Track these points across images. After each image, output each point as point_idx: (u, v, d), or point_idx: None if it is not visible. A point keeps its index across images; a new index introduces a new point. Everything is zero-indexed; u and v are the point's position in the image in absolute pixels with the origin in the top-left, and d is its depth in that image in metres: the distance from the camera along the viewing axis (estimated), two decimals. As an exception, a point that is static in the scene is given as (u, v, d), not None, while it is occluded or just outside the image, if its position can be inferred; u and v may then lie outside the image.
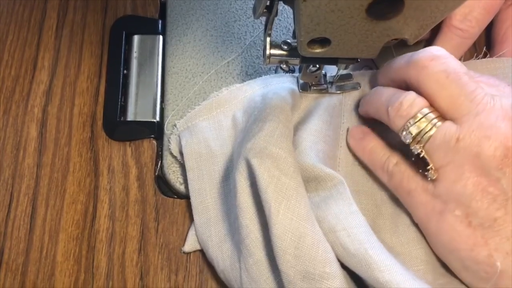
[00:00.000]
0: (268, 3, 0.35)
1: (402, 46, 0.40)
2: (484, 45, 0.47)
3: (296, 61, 0.40)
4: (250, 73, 0.47)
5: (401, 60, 0.38)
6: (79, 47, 0.48)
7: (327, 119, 0.42)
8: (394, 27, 0.33)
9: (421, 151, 0.35)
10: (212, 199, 0.41)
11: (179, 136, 0.43)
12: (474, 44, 0.45)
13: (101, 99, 0.46)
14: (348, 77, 0.45)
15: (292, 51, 0.39)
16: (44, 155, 0.44)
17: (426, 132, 0.34)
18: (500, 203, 0.32)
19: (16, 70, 0.47)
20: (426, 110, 0.35)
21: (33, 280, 0.40)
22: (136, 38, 0.49)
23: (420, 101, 0.36)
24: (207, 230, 0.40)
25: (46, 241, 0.41)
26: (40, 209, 0.42)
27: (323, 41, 0.35)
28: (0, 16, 0.50)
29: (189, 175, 0.42)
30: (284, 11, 0.49)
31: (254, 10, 0.36)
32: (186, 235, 0.41)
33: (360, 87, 0.45)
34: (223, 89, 0.45)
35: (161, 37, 0.49)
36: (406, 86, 0.38)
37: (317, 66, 0.41)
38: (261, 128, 0.37)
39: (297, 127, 0.42)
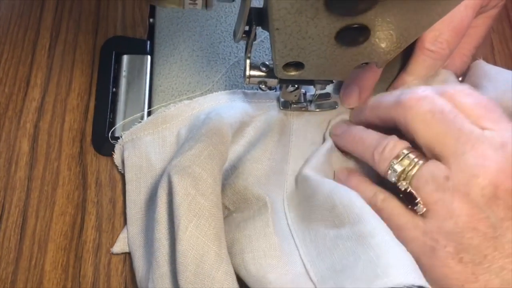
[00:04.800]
0: (247, 28, 0.37)
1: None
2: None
3: (275, 81, 0.42)
4: (234, 92, 0.49)
5: (389, 99, 0.40)
6: (70, 66, 0.50)
7: (276, 138, 0.44)
8: (362, 52, 0.36)
9: (408, 187, 0.36)
10: (145, 211, 0.42)
11: (122, 147, 0.45)
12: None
13: (90, 115, 0.48)
14: (326, 96, 0.47)
15: (270, 72, 0.41)
16: (35, 169, 0.46)
17: (410, 170, 0.36)
18: (489, 240, 0.33)
19: (10, 87, 0.49)
20: (405, 151, 0.37)
21: (22, 288, 0.42)
22: (125, 58, 0.51)
23: (401, 143, 0.38)
24: (137, 241, 0.41)
25: (35, 251, 0.43)
26: (30, 220, 0.44)
27: (298, 65, 0.37)
28: (-5, 36, 0.52)
29: (128, 187, 0.43)
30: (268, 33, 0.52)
31: (234, 34, 0.39)
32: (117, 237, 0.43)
33: (337, 106, 0.47)
34: (170, 105, 0.46)
35: (149, 57, 0.51)
36: (393, 124, 0.39)
37: (296, 86, 0.44)
38: (191, 147, 0.38)
39: (245, 147, 0.43)
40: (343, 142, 0.44)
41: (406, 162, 0.36)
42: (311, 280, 0.35)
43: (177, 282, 0.35)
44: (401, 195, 0.37)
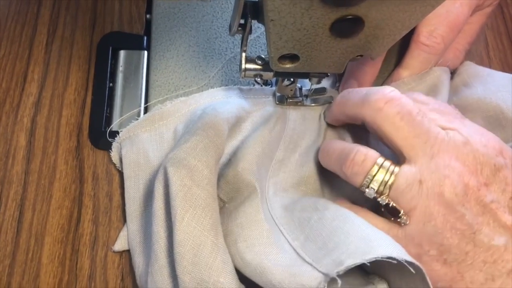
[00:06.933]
0: (242, 22, 0.38)
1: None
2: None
3: (270, 74, 0.42)
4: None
5: (357, 97, 0.40)
6: (67, 61, 0.50)
7: (272, 126, 0.44)
8: (357, 44, 0.36)
9: (389, 201, 0.36)
10: (143, 208, 0.42)
11: (120, 145, 0.45)
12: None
13: (87, 110, 0.48)
14: (322, 90, 0.47)
15: (266, 65, 0.41)
16: (32, 163, 0.46)
17: (387, 182, 0.36)
18: (468, 237, 0.34)
19: (7, 82, 0.50)
20: (381, 160, 0.37)
21: (18, 281, 0.42)
22: (122, 53, 0.51)
23: (372, 153, 0.37)
24: (137, 237, 0.41)
25: (32, 244, 0.43)
26: (27, 214, 0.44)
27: (293, 57, 0.38)
28: (-8, 32, 0.52)
29: (126, 183, 0.43)
30: (263, 29, 0.52)
31: (230, 28, 0.39)
32: (117, 235, 0.43)
33: (333, 100, 0.47)
34: (167, 102, 0.46)
35: (145, 52, 0.51)
36: (360, 122, 0.40)
37: (291, 80, 0.44)
38: (186, 140, 0.38)
39: (242, 142, 0.44)
40: (318, 157, 0.44)
41: (381, 174, 0.36)
42: (307, 262, 0.35)
43: (174, 272, 0.35)
44: (382, 209, 0.37)
